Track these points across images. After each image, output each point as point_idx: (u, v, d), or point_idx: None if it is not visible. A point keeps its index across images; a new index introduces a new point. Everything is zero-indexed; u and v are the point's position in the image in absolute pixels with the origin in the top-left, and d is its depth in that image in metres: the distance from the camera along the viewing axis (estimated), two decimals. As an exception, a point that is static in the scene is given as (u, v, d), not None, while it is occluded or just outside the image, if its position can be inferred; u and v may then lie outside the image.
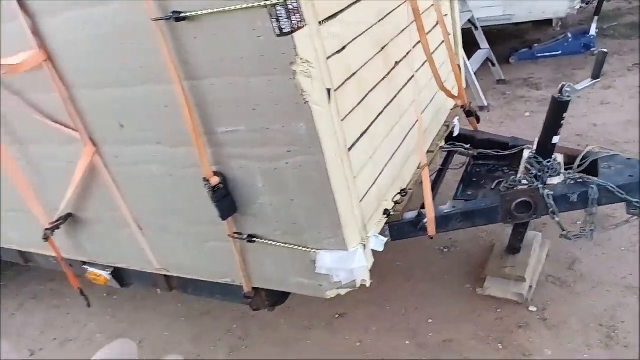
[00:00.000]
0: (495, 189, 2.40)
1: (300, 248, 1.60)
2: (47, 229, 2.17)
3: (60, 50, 1.60)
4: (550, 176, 2.15)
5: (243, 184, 1.57)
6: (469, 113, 2.72)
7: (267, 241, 1.65)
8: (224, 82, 1.36)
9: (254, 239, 1.67)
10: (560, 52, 5.37)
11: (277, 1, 1.14)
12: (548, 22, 5.81)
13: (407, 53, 2.13)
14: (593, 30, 5.20)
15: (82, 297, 2.47)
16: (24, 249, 2.64)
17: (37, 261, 2.75)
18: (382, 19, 1.83)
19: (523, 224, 2.46)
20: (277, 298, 1.99)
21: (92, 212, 2.09)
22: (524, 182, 2.14)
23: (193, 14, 1.26)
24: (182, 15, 1.27)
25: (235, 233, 1.70)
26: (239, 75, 1.33)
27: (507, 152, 2.53)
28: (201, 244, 1.86)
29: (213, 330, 2.76)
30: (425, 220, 2.04)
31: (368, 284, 1.66)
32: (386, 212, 1.83)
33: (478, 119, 2.80)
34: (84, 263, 2.43)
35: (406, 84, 2.14)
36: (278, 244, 1.64)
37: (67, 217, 2.16)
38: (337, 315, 2.64)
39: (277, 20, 1.17)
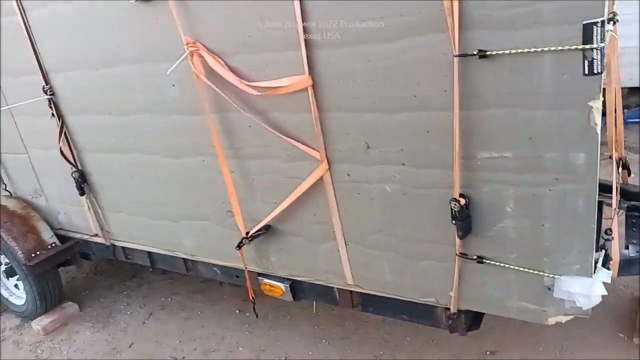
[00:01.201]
0: (664, 238, 2.46)
1: (536, 272, 1.71)
2: (245, 238, 2.36)
3: (328, 77, 1.82)
4: None
5: (488, 206, 1.71)
6: (624, 165, 2.83)
7: (498, 263, 1.77)
8: (505, 112, 1.54)
9: (484, 261, 1.79)
10: (649, 119, 5.54)
11: (595, 45, 1.32)
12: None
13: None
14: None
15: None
16: (194, 257, 2.81)
17: (199, 270, 2.93)
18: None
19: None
20: (472, 322, 2.09)
21: (294, 225, 2.26)
22: None
23: (500, 52, 1.45)
24: (487, 53, 1.47)
25: (462, 253, 1.83)
26: (524, 107, 1.50)
27: (669, 204, 2.60)
28: (414, 262, 1.99)
29: (359, 354, 2.84)
30: (610, 262, 2.12)
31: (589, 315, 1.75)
32: (602, 247, 1.93)
33: (629, 172, 2.90)
34: (259, 274, 2.59)
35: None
36: (511, 267, 1.75)
37: (267, 229, 2.34)
38: (487, 353, 2.69)
39: (590, 61, 1.34)
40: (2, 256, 3.64)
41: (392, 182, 1.88)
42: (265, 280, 2.56)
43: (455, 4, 1.44)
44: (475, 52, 1.48)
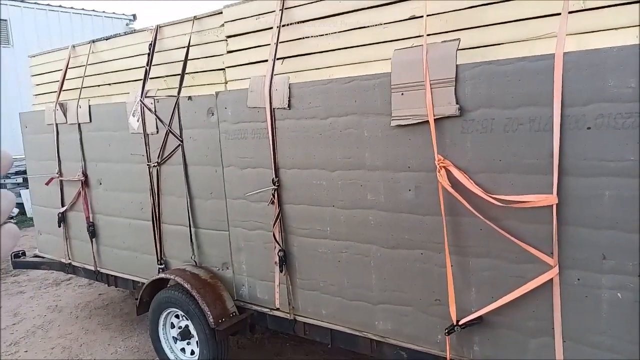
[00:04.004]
0: None
1: None
2: (457, 326, 2.71)
3: (574, 198, 2.28)
4: None
5: None
6: None
7: None
8: None
9: None
10: None
11: None
12: None
13: None
14: None
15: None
16: (385, 339, 3.13)
17: (384, 352, 3.23)
18: None
19: None
20: None
21: (508, 318, 2.60)
22: None
23: None
24: None
25: (693, 359, 2.11)
26: None
27: None
28: (637, 363, 2.27)
29: None
30: None
31: None
32: None
33: None
34: (453, 362, 2.88)
35: None
36: None
37: (480, 320, 2.68)
38: None
39: None
40: (178, 320, 4.08)
41: (624, 290, 2.24)
42: (461, 368, 2.85)
43: None
44: None
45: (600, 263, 2.28)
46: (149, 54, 4.05)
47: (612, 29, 2.16)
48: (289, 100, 3.19)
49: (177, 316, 4.11)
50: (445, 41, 2.54)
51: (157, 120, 4.01)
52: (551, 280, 2.41)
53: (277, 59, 3.27)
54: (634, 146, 2.10)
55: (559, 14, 2.24)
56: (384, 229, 2.96)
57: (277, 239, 3.44)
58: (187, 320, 3.96)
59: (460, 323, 2.71)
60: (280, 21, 3.19)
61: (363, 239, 3.07)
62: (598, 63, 2.12)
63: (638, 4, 2.09)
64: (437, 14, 2.58)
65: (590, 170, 2.22)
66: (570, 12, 2.22)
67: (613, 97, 2.11)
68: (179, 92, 3.81)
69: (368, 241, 3.05)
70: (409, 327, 2.99)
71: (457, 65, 2.49)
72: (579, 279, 2.35)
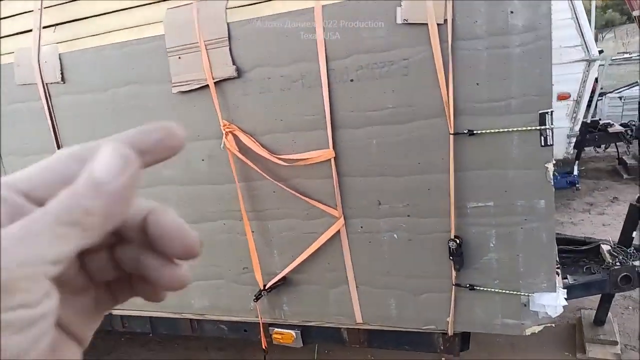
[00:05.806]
0: (587, 271, 3.18)
1: (515, 293, 2.26)
2: (263, 290, 2.70)
3: (348, 150, 2.35)
4: (634, 259, 2.99)
5: (475, 244, 2.27)
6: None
7: (486, 289, 2.30)
8: (487, 173, 2.15)
9: (475, 288, 2.32)
10: (550, 187, 6.71)
11: (548, 127, 2.00)
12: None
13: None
14: (576, 171, 6.57)
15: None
16: (203, 316, 3.03)
17: (205, 330, 3.14)
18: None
19: (608, 300, 3.22)
20: (464, 343, 2.56)
21: (309, 274, 2.65)
22: (618, 264, 2.96)
23: (483, 132, 2.08)
24: (474, 132, 2.10)
25: (457, 284, 2.35)
26: (501, 169, 2.12)
27: (586, 247, 3.37)
28: (417, 296, 2.46)
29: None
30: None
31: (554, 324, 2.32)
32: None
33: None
34: (270, 325, 2.89)
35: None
36: (495, 290, 2.29)
37: (284, 280, 2.70)
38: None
39: (545, 137, 2.01)
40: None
41: (399, 231, 2.39)
42: (277, 329, 2.87)
43: (451, 99, 2.08)
44: (465, 132, 2.11)
45: (377, 209, 2.40)
46: None
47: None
48: (62, 73, 2.82)
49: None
50: (213, -2, 2.41)
51: None
52: (339, 231, 2.49)
53: (45, 27, 2.86)
54: (391, 94, 2.21)
55: (316, -33, 2.24)
56: (186, 203, 2.80)
57: (75, 230, 3.08)
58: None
59: (266, 287, 2.70)
60: (40, -18, 2.77)
61: (165, 216, 2.88)
62: (352, 14, 2.17)
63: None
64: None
65: (358, 121, 2.30)
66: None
67: (368, 48, 2.18)
68: None
69: (170, 218, 2.87)
70: (224, 299, 2.92)
71: (228, 24, 2.38)
72: (362, 227, 2.46)
